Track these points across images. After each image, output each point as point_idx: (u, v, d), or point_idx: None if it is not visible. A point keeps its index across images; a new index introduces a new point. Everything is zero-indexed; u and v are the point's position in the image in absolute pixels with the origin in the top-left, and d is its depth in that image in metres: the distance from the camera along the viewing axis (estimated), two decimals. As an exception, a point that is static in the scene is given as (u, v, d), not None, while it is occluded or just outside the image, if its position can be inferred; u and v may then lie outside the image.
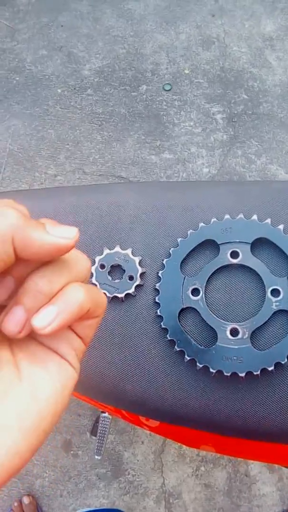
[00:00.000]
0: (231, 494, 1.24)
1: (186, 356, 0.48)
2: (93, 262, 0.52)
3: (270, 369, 0.46)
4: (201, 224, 0.51)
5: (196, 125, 1.65)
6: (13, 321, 0.23)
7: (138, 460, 1.28)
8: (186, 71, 1.73)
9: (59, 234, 0.24)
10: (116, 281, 0.51)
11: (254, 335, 0.48)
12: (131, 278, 0.51)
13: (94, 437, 1.16)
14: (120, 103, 1.67)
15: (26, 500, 1.27)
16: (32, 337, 0.26)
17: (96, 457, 1.07)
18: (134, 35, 1.78)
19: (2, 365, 0.24)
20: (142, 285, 0.52)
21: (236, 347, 0.47)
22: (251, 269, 0.49)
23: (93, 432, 1.20)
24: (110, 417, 1.06)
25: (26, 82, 1.69)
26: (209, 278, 0.50)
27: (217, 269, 0.50)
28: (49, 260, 0.25)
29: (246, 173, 1.58)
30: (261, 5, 1.83)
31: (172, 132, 1.63)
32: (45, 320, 0.23)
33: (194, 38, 1.79)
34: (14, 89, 1.69)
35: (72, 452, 1.32)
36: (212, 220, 0.51)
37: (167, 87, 1.70)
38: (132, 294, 0.51)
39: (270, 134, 1.63)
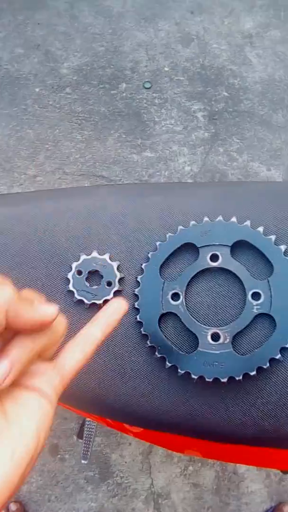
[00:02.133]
0: (219, 493, 1.24)
1: (167, 363, 0.47)
2: (70, 268, 0.51)
3: (252, 374, 0.45)
4: (180, 227, 0.50)
5: (177, 123, 1.64)
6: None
7: (125, 462, 1.27)
8: (166, 69, 1.72)
9: (43, 312, 0.28)
10: (94, 287, 0.50)
11: (235, 339, 0.47)
12: (109, 284, 0.50)
13: (81, 440, 1.15)
14: (99, 101, 1.65)
15: (13, 507, 1.25)
16: (16, 384, 0.30)
17: (83, 461, 1.06)
18: (113, 33, 1.76)
19: None
20: (121, 291, 0.50)
21: (217, 352, 0.46)
22: (231, 272, 0.48)
23: (80, 435, 1.18)
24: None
25: (3, 82, 1.66)
26: (189, 282, 0.49)
27: (197, 273, 0.49)
28: None
29: (228, 170, 1.58)
30: (240, 2, 1.82)
31: (153, 131, 1.62)
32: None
33: (173, 36, 1.78)
34: (-9, 88, 1.66)
35: (59, 456, 1.30)
36: (191, 222, 0.50)
37: (147, 85, 1.69)
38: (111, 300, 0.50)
39: (252, 132, 1.62)
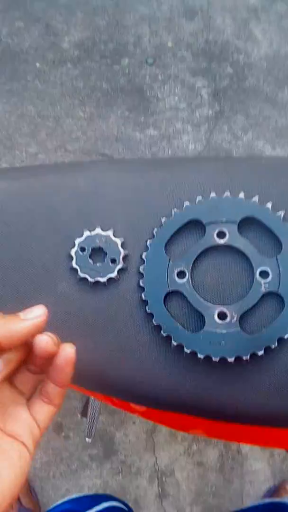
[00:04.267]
0: (223, 471, 1.25)
1: (173, 342, 0.46)
2: (73, 245, 0.49)
3: (259, 353, 0.44)
4: (186, 203, 0.49)
5: (180, 100, 1.60)
6: None
7: (129, 440, 1.28)
8: (169, 44, 1.67)
9: (32, 316, 0.30)
10: (98, 264, 0.49)
11: (242, 318, 0.46)
12: (113, 261, 0.48)
13: (85, 418, 1.15)
14: (101, 77, 1.61)
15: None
16: None
17: (87, 439, 1.06)
18: (115, 6, 1.71)
19: None
20: (125, 268, 0.49)
21: (224, 331, 0.45)
22: (238, 250, 0.47)
23: (84, 413, 1.19)
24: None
25: (3, 56, 1.62)
26: (195, 260, 0.47)
27: (204, 251, 0.47)
28: None
29: (232, 149, 1.55)
30: (245, -27, 1.76)
31: (156, 108, 1.59)
32: None
33: (176, 9, 1.72)
34: (-9, 64, 1.62)
35: (63, 434, 1.31)
36: (198, 198, 0.49)
37: (150, 61, 1.65)
38: (115, 278, 0.49)
39: (257, 109, 1.59)
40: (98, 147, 1.54)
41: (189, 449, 1.26)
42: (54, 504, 0.73)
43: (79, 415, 1.30)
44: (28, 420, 0.32)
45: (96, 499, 0.73)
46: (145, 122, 1.57)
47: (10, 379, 0.34)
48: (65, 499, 0.74)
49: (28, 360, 0.33)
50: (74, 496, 0.75)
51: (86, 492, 1.27)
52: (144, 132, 1.56)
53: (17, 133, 1.53)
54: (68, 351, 0.33)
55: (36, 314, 0.30)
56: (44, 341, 0.31)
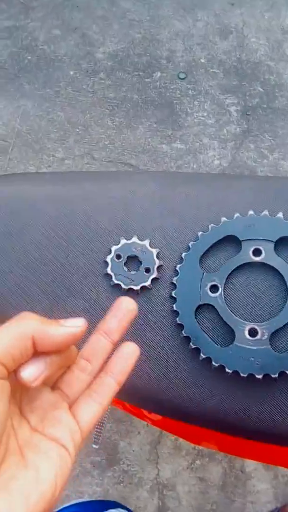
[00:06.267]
0: (225, 489, 1.24)
1: (201, 354, 0.47)
2: (109, 252, 0.50)
3: (288, 372, 0.45)
4: (223, 219, 0.50)
5: (209, 116, 1.62)
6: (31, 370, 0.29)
7: (133, 450, 1.28)
8: (202, 60, 1.70)
9: (70, 324, 0.30)
10: (132, 272, 0.50)
11: (273, 336, 0.46)
12: (147, 270, 0.49)
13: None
14: (133, 89, 1.64)
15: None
16: (36, 430, 0.31)
17: (94, 446, 1.06)
18: (151, 20, 1.74)
19: (10, 454, 0.29)
20: (158, 278, 0.50)
21: (254, 347, 0.45)
22: (273, 268, 0.47)
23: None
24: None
25: (38, 62, 1.65)
26: (229, 275, 0.48)
27: (238, 267, 0.48)
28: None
29: (257, 167, 1.56)
30: (281, -4, 1.79)
31: (184, 122, 1.60)
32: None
33: (211, 27, 1.75)
34: (26, 68, 1.65)
35: (67, 438, 1.31)
36: (235, 215, 0.49)
37: (182, 76, 1.67)
38: (148, 287, 0.49)
39: (285, 130, 1.60)
40: (125, 157, 1.56)
41: (192, 464, 1.25)
42: (62, 506, 0.73)
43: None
44: (69, 423, 0.32)
45: (103, 505, 0.73)
46: (173, 136, 1.58)
47: (54, 382, 0.34)
48: (72, 502, 0.74)
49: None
50: (81, 500, 0.75)
51: (86, 499, 1.26)
52: (170, 145, 1.57)
53: (46, 137, 1.56)
54: (131, 347, 0.34)
55: (75, 324, 0.31)
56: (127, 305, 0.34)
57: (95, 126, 1.58)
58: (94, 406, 0.33)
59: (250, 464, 1.23)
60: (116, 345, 0.35)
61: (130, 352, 0.35)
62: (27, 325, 0.29)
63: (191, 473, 1.25)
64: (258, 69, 1.69)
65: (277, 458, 0.70)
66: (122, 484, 1.27)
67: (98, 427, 1.06)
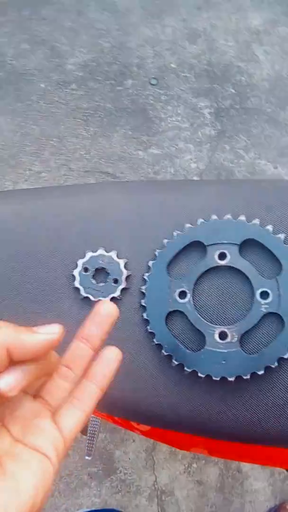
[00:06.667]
0: (223, 490, 1.24)
1: (174, 361, 0.47)
2: (76, 266, 0.50)
3: (260, 373, 0.45)
4: (188, 225, 0.50)
5: (183, 120, 1.63)
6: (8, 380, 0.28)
7: (129, 459, 1.27)
8: (172, 65, 1.71)
9: (46, 331, 0.29)
10: (101, 284, 0.50)
11: (243, 338, 0.47)
12: (116, 281, 0.50)
13: (85, 436, 1.15)
14: (105, 98, 1.65)
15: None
16: (17, 439, 0.30)
17: (86, 457, 1.05)
18: (119, 29, 1.76)
19: None
20: (127, 288, 0.50)
21: (225, 350, 0.46)
22: (239, 271, 0.48)
23: (84, 431, 1.18)
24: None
25: (8, 77, 1.65)
26: (196, 281, 0.49)
27: (205, 271, 0.49)
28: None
29: (234, 168, 1.57)
30: (247, -2, 1.81)
31: (159, 127, 1.61)
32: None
33: (180, 32, 1.77)
34: (-3, 84, 1.65)
35: (62, 452, 1.30)
36: (199, 220, 0.50)
37: (153, 81, 1.68)
38: (118, 297, 0.50)
39: (258, 129, 1.62)
40: (101, 166, 1.56)
41: (189, 467, 1.25)
42: None
43: (79, 433, 1.29)
44: (51, 432, 0.31)
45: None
46: (148, 142, 1.59)
47: (36, 391, 0.33)
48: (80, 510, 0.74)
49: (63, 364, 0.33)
50: (82, 510, 0.74)
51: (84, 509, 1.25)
52: (146, 151, 1.58)
53: (21, 152, 1.56)
54: (113, 352, 0.34)
55: (51, 331, 0.30)
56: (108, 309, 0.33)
57: (70, 137, 1.59)
58: (77, 413, 0.33)
59: (246, 464, 1.24)
60: (97, 351, 0.34)
61: (113, 357, 0.35)
62: (0, 335, 0.28)
63: (188, 477, 1.25)
64: (229, 71, 1.71)
65: (266, 458, 0.70)
66: (120, 494, 1.26)
67: (90, 438, 1.06)
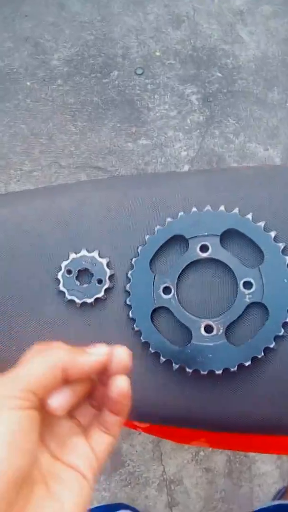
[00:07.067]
0: (231, 476, 1.24)
1: (161, 358, 0.47)
2: (59, 268, 0.50)
3: (247, 364, 0.45)
4: (168, 219, 0.50)
5: (171, 108, 1.61)
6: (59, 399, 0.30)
7: (136, 451, 1.28)
8: (157, 53, 1.69)
9: (96, 353, 0.32)
10: (85, 285, 0.50)
11: (229, 330, 0.46)
12: (100, 281, 0.49)
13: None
14: (92, 91, 1.63)
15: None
16: (55, 456, 0.31)
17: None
18: (101, 20, 1.73)
19: (36, 485, 0.29)
20: (112, 288, 0.50)
21: (211, 344, 0.46)
22: (221, 262, 0.48)
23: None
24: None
25: (-6, 77, 1.64)
26: (179, 275, 0.48)
27: (188, 265, 0.48)
28: None
29: (225, 153, 1.56)
30: (229, -21, 1.78)
31: (147, 117, 1.60)
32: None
33: (163, 18, 1.74)
34: (-18, 85, 1.64)
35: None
36: (180, 214, 0.50)
37: (139, 71, 1.66)
38: (102, 298, 0.49)
39: (247, 112, 1.60)
40: (92, 160, 1.55)
41: (196, 456, 1.26)
42: None
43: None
44: (86, 451, 0.32)
45: (111, 508, 0.73)
46: (137, 133, 1.58)
47: (70, 411, 0.33)
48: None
49: (92, 395, 0.34)
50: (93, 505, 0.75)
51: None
52: (136, 142, 1.57)
53: (11, 152, 1.55)
54: (119, 384, 0.33)
55: (100, 352, 0.32)
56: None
57: (59, 134, 1.58)
58: (105, 436, 0.34)
59: (253, 449, 1.24)
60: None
61: (124, 393, 0.33)
62: (58, 355, 0.30)
63: (196, 465, 1.26)
64: (214, 55, 1.69)
65: (266, 447, 0.71)
66: (129, 486, 1.27)
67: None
